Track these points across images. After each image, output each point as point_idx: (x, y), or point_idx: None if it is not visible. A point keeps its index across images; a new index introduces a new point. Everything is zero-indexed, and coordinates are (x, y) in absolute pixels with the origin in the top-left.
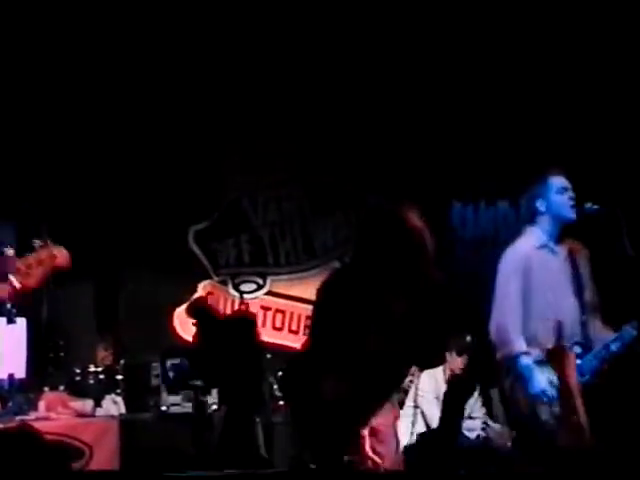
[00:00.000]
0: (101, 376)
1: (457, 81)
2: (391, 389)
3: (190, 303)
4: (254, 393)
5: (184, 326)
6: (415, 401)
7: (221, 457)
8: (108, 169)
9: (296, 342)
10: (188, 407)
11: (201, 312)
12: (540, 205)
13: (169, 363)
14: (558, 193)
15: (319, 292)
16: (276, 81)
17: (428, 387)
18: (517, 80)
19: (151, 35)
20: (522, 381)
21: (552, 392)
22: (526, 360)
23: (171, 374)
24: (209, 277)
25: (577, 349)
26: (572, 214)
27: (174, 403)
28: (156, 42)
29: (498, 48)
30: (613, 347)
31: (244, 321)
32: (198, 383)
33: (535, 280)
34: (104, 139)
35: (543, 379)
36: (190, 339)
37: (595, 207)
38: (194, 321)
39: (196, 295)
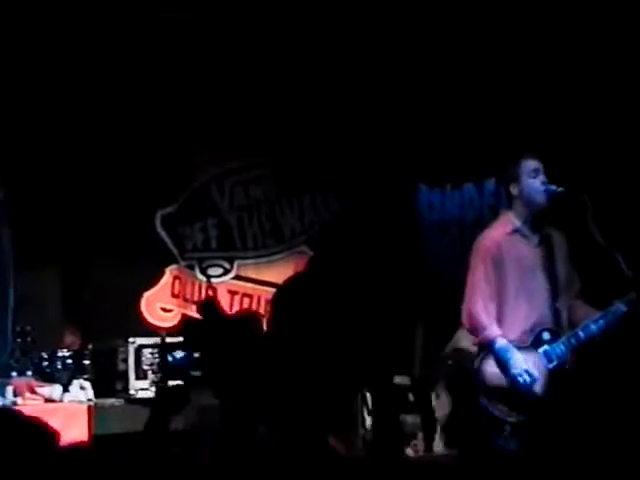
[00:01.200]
0: (69, 361)
1: (423, 63)
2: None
3: (200, 301)
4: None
5: (151, 310)
6: None
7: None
8: (74, 154)
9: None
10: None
11: (208, 310)
12: (513, 189)
13: (169, 356)
14: (530, 177)
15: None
16: (243, 66)
17: None
18: (483, 63)
19: (119, 20)
20: (499, 364)
21: (530, 374)
22: (501, 342)
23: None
24: (176, 261)
25: (546, 335)
26: (543, 199)
27: (142, 388)
28: (125, 27)
29: (464, 30)
30: (581, 333)
31: (250, 320)
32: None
33: (506, 267)
34: (72, 124)
35: (521, 360)
36: (156, 324)
37: (559, 190)
38: (201, 318)
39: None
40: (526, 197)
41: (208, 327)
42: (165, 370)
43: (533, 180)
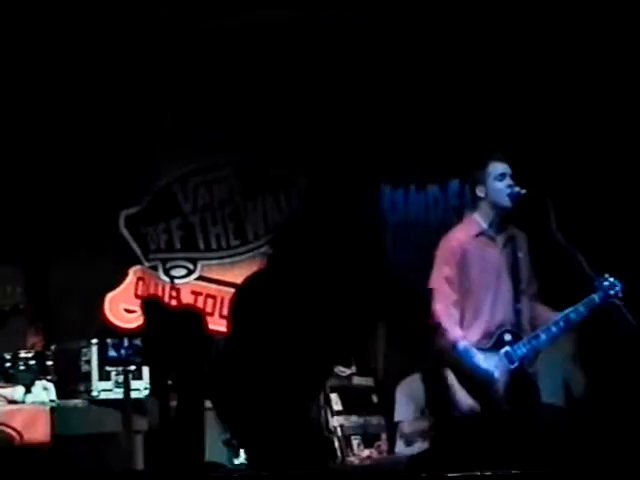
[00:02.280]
0: (32, 362)
1: (388, 62)
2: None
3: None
4: (202, 382)
5: (114, 311)
6: None
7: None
8: (37, 153)
9: (226, 327)
10: (119, 393)
11: (150, 305)
12: (480, 191)
13: (109, 341)
14: (496, 180)
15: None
16: (206, 64)
17: None
18: (449, 63)
19: (72, 9)
20: (462, 365)
21: (495, 374)
22: (464, 344)
23: (110, 353)
24: (140, 262)
25: (507, 336)
26: (508, 202)
27: (105, 389)
28: (93, 22)
29: (430, 31)
30: (542, 335)
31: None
32: (132, 368)
33: (471, 269)
34: (34, 122)
35: (484, 361)
36: (120, 324)
37: (522, 192)
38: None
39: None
40: (492, 200)
41: (150, 323)
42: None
43: (500, 183)
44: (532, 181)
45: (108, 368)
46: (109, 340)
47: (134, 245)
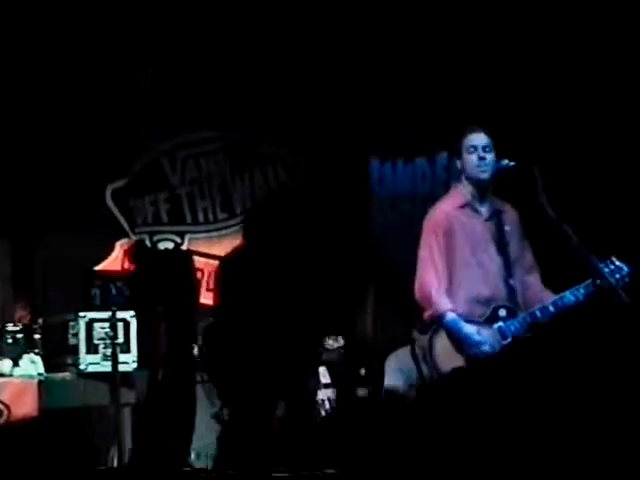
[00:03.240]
0: (19, 335)
1: (376, 35)
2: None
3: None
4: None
5: None
6: None
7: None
8: (21, 129)
9: (212, 300)
10: (107, 366)
11: (138, 252)
12: (458, 164)
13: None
14: (468, 152)
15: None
16: (195, 38)
17: None
18: (436, 37)
19: None
20: (451, 336)
21: (485, 348)
22: (452, 316)
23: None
24: (127, 236)
25: (502, 312)
26: (481, 174)
27: (93, 362)
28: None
29: (416, 7)
30: (538, 313)
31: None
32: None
33: (457, 240)
34: (19, 97)
35: (474, 331)
36: None
37: (511, 164)
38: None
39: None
40: (466, 172)
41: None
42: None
43: (470, 156)
44: (521, 153)
45: (96, 342)
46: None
47: (121, 218)
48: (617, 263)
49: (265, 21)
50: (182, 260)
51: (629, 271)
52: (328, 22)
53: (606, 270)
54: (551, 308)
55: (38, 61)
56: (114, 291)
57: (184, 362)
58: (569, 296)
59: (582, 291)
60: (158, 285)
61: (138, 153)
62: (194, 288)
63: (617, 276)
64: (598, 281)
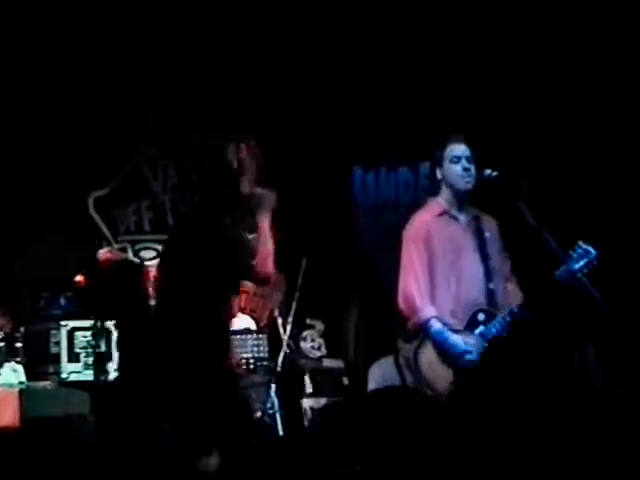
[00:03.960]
0: (0, 344)
1: (359, 45)
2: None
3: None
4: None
5: None
6: None
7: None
8: (7, 137)
9: None
10: (88, 375)
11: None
12: (438, 173)
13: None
14: (451, 162)
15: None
16: (176, 48)
17: None
18: (419, 45)
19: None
20: (436, 346)
21: (472, 356)
22: (436, 325)
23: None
24: (109, 244)
25: (481, 316)
26: (463, 184)
27: (74, 371)
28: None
29: (398, 14)
30: (516, 310)
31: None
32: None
33: (436, 248)
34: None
35: (459, 340)
36: None
37: (494, 174)
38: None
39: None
40: (448, 182)
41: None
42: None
43: (454, 166)
44: (501, 161)
45: (77, 350)
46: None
47: (103, 227)
48: (584, 247)
49: (253, 32)
50: (133, 272)
51: (596, 254)
52: (315, 33)
53: (574, 255)
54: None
55: (21, 68)
56: (62, 301)
57: (136, 373)
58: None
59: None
60: (108, 297)
61: (120, 161)
62: (144, 301)
63: (585, 260)
64: (567, 269)
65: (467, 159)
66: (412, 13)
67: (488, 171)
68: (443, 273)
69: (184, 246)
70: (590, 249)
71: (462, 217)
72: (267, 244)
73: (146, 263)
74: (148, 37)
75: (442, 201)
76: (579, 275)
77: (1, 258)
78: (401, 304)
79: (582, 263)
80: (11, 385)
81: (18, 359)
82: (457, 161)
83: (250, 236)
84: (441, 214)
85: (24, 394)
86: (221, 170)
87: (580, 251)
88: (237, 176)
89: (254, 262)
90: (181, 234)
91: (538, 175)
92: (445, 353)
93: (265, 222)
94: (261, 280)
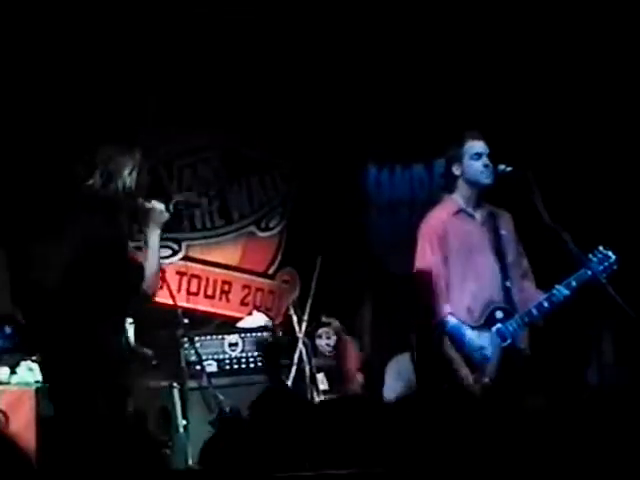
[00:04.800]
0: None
1: (371, 42)
2: None
3: None
4: None
5: None
6: None
7: None
8: (22, 136)
9: (211, 307)
10: None
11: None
12: (456, 170)
13: None
14: (472, 159)
15: None
16: (187, 49)
17: None
18: (432, 41)
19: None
20: (454, 342)
21: (488, 352)
22: (453, 321)
23: None
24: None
25: (499, 313)
26: (486, 179)
27: None
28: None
29: (411, 10)
30: (534, 311)
31: None
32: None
33: (452, 245)
34: (16, 109)
35: (475, 337)
36: None
37: (508, 169)
38: None
39: None
40: (469, 178)
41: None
42: None
43: (476, 162)
44: (515, 158)
45: None
46: None
47: None
48: (604, 252)
49: (263, 30)
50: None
51: (616, 258)
52: (325, 30)
53: (594, 260)
54: (546, 304)
55: (30, 69)
56: (8, 331)
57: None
58: (563, 290)
59: (574, 284)
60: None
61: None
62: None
63: (605, 264)
64: (589, 272)
65: (487, 156)
66: (429, 12)
67: (502, 166)
68: (459, 271)
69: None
70: (610, 254)
71: (478, 214)
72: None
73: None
74: (159, 41)
75: (458, 198)
76: (602, 280)
77: (17, 260)
78: (417, 302)
79: (601, 268)
80: (27, 384)
81: (34, 358)
82: (478, 158)
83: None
84: (457, 212)
85: (40, 393)
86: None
87: (600, 256)
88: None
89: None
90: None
91: (553, 173)
92: (461, 349)
93: (154, 237)
94: (146, 298)
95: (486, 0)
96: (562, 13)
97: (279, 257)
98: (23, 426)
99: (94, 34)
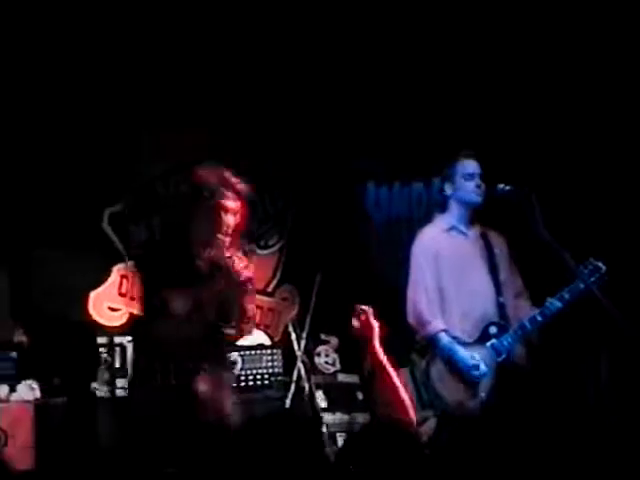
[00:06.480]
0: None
1: (371, 57)
2: None
3: None
4: None
5: (99, 310)
6: None
7: None
8: (23, 151)
9: None
10: (104, 390)
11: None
12: (448, 189)
13: None
14: (463, 179)
15: None
16: (185, 64)
17: None
18: (431, 59)
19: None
20: (445, 359)
21: (482, 368)
22: (445, 339)
23: None
24: (123, 260)
25: (493, 329)
26: (477, 199)
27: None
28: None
29: (410, 27)
30: (527, 324)
31: None
32: None
33: (445, 262)
34: (16, 120)
35: (467, 355)
36: (104, 323)
37: (507, 188)
38: None
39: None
40: (460, 198)
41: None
42: None
43: (468, 182)
44: (514, 177)
45: None
46: None
47: (117, 243)
48: (595, 263)
49: (259, 45)
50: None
51: (606, 270)
52: (323, 40)
53: (585, 271)
54: (539, 317)
55: (36, 82)
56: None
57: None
58: (556, 302)
59: (567, 296)
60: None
61: (133, 177)
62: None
63: (597, 275)
64: (582, 285)
65: (479, 176)
66: (426, 28)
67: (501, 185)
68: (452, 287)
69: None
70: (600, 265)
71: (470, 232)
72: None
73: None
74: (164, 50)
75: (450, 217)
76: (596, 292)
77: (18, 275)
78: (410, 318)
79: (593, 279)
80: (26, 402)
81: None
82: (470, 178)
83: None
84: (449, 229)
85: (39, 410)
86: None
87: (591, 267)
88: None
89: None
90: None
91: (548, 190)
92: (454, 366)
93: None
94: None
95: (483, 20)
96: (557, 34)
97: (278, 275)
98: (22, 444)
99: (110, 45)
